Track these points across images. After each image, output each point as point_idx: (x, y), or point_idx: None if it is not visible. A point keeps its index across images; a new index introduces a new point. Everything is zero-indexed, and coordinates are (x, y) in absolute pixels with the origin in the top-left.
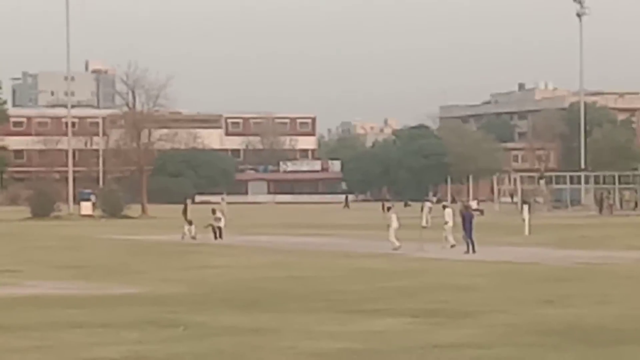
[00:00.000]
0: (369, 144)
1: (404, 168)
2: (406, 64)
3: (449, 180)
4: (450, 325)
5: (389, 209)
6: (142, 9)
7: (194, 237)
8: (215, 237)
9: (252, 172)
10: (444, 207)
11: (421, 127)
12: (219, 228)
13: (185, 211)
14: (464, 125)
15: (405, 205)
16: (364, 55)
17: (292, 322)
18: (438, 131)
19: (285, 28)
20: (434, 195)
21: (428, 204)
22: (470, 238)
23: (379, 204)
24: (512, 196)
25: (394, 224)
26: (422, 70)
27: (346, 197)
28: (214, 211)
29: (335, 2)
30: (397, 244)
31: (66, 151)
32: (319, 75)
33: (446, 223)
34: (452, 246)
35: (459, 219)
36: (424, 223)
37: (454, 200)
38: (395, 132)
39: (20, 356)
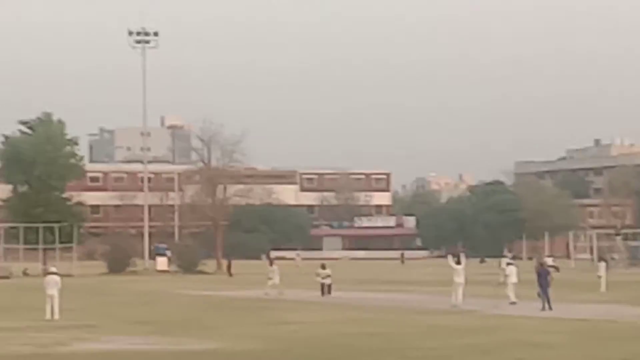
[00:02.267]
0: (443, 199)
1: (479, 224)
2: (481, 119)
3: (524, 236)
4: None
5: (508, 263)
6: (217, 65)
7: (281, 293)
8: (323, 294)
9: (326, 227)
10: (508, 264)
11: (496, 182)
12: (328, 285)
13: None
14: (540, 181)
15: (481, 261)
16: (438, 110)
17: None
18: (513, 187)
19: (361, 83)
20: (509, 251)
21: (505, 260)
22: (546, 295)
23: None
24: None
25: (513, 278)
26: (497, 126)
27: (402, 254)
28: (323, 266)
29: (402, 56)
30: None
31: (142, 206)
32: (393, 130)
33: (506, 277)
34: (512, 303)
35: (535, 276)
36: (501, 279)
37: (529, 257)
38: (470, 188)
39: None
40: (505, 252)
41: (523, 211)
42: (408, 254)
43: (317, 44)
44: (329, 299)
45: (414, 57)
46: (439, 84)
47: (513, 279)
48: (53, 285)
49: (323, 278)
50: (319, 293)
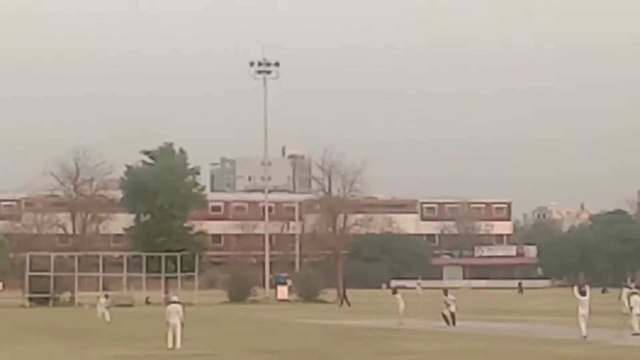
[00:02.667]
0: (565, 229)
1: (602, 253)
2: (602, 149)
3: None
4: None
5: (632, 293)
6: (337, 93)
7: (400, 324)
8: (447, 323)
9: (447, 257)
10: (633, 293)
11: (619, 212)
12: (452, 314)
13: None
14: None
15: (603, 291)
16: (559, 140)
17: None
18: (636, 216)
19: (480, 114)
20: (632, 281)
21: (627, 290)
22: None
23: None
24: None
25: (638, 309)
26: (620, 155)
27: (519, 284)
28: (445, 292)
29: (523, 90)
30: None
31: (263, 235)
32: (514, 159)
33: (631, 309)
34: (636, 334)
35: None
36: (625, 310)
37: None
38: (592, 217)
39: None
40: (628, 282)
41: None
42: (529, 283)
43: (435, 71)
44: (451, 329)
45: (532, 83)
46: (559, 117)
47: (637, 309)
48: (175, 314)
49: (448, 305)
50: (443, 323)
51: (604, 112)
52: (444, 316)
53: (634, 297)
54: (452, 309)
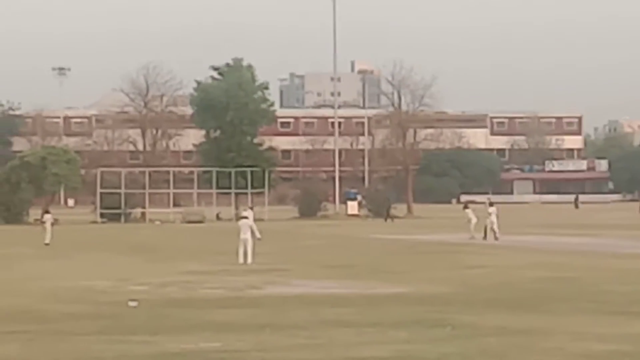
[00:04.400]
0: (636, 142)
1: None
2: None
3: None
4: None
5: None
6: (406, 8)
7: (472, 238)
8: (485, 237)
9: (517, 171)
10: None
11: None
12: (492, 228)
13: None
14: None
15: None
16: (630, 52)
17: (559, 323)
18: None
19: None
20: None
21: None
22: None
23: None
24: None
25: None
26: None
27: (576, 197)
28: (491, 203)
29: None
30: None
31: (333, 151)
32: (585, 72)
33: None
34: None
35: None
36: None
37: None
38: None
39: (289, 354)
40: None
41: None
42: (599, 197)
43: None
44: (519, 244)
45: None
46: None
47: None
48: (246, 229)
49: (490, 215)
50: (489, 236)
51: None
52: (485, 229)
53: None
54: (493, 221)
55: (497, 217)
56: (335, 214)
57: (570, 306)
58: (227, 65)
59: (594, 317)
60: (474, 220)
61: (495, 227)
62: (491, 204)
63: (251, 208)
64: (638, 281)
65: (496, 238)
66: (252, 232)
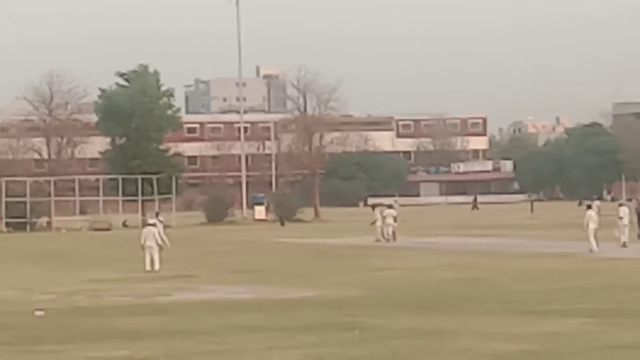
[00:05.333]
0: (541, 143)
1: (577, 167)
2: (578, 63)
3: (623, 178)
4: (628, 326)
5: (588, 205)
6: (311, 13)
7: (377, 240)
8: (386, 239)
9: (423, 173)
10: (620, 204)
11: (594, 125)
12: (392, 230)
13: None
14: (638, 122)
15: (579, 204)
16: (534, 55)
17: (468, 324)
18: (611, 129)
19: (456, 33)
20: (608, 193)
21: (597, 202)
22: None
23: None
24: None
25: (625, 220)
26: (593, 68)
27: (474, 198)
28: (390, 205)
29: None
30: (594, 247)
31: (239, 156)
32: (490, 74)
33: (620, 219)
34: (624, 244)
35: (635, 218)
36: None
37: (629, 199)
38: (567, 131)
39: None
40: (604, 195)
41: (622, 153)
42: (505, 198)
43: None
44: (430, 245)
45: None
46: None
47: (626, 220)
48: (151, 236)
49: (385, 220)
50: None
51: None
52: (382, 230)
53: (622, 208)
54: (390, 222)
55: (395, 219)
56: (243, 219)
57: (479, 307)
58: (133, 71)
59: (503, 317)
60: (379, 222)
61: (390, 230)
62: (390, 206)
63: (157, 214)
64: (544, 281)
65: (387, 240)
66: (162, 239)
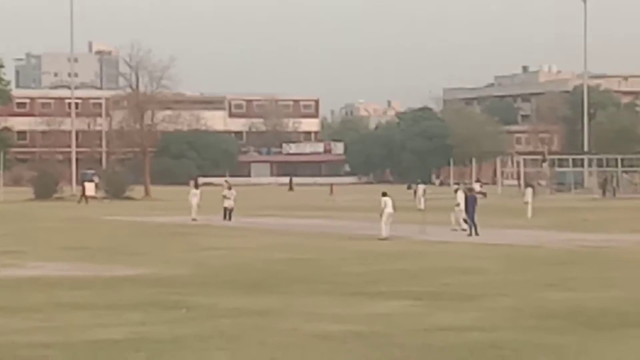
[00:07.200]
0: (372, 126)
1: (407, 150)
2: (409, 46)
3: (452, 162)
4: (453, 308)
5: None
6: None
7: (194, 220)
8: (225, 218)
9: (255, 154)
10: (456, 190)
11: (425, 109)
12: (230, 209)
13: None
14: (468, 107)
15: (408, 187)
16: (367, 38)
17: (295, 304)
18: (441, 114)
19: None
20: (437, 177)
21: (422, 186)
22: (473, 221)
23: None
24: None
25: (462, 205)
26: (426, 53)
27: (290, 179)
28: (230, 187)
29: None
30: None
31: (69, 132)
32: (322, 56)
33: (457, 205)
34: (455, 230)
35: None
36: (421, 206)
37: (456, 183)
38: (398, 115)
39: (25, 337)
40: (433, 179)
41: (451, 137)
42: (336, 180)
43: None
44: (255, 225)
45: None
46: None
47: (462, 206)
48: None
49: (227, 199)
50: (222, 217)
51: (404, 16)
52: (225, 210)
53: (458, 193)
54: (231, 203)
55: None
56: (72, 196)
57: (306, 287)
58: None
59: (330, 297)
60: (195, 201)
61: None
62: (229, 187)
63: None
64: (372, 262)
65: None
66: None
